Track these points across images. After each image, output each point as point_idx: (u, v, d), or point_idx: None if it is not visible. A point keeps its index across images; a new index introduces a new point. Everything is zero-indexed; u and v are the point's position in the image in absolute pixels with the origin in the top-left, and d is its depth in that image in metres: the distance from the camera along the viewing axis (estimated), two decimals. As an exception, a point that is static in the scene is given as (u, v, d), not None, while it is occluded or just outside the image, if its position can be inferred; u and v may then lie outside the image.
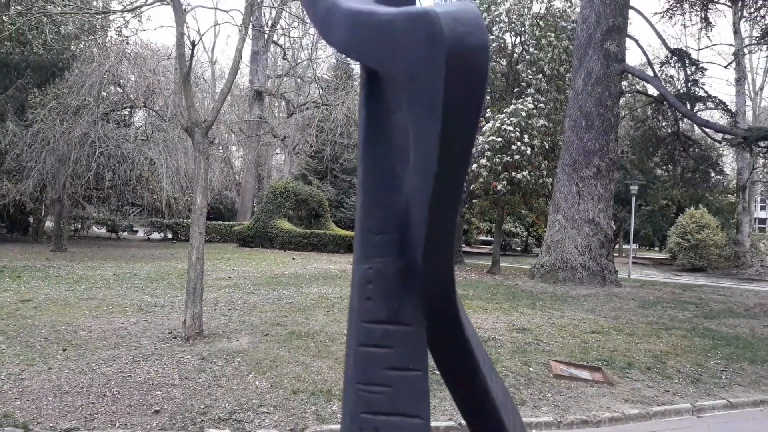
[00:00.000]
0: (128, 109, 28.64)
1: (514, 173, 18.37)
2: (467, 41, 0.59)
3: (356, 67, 42.53)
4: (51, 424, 5.61)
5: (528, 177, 18.59)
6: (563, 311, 12.62)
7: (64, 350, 7.90)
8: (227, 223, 34.37)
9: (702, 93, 21.95)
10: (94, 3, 24.75)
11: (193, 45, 9.57)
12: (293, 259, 23.32)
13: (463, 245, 34.18)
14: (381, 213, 0.88)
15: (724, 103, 22.32)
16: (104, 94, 25.07)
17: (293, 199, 29.18)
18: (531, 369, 8.05)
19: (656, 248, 46.76)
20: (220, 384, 6.80)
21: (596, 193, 17.10)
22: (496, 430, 1.09)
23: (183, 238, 31.61)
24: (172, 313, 10.71)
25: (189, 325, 8.79)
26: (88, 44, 25.08)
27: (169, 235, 34.27)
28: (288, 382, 6.92)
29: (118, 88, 26.88)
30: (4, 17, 20.06)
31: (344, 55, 0.84)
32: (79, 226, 33.36)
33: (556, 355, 8.85)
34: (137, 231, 36.60)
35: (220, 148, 40.86)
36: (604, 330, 10.84)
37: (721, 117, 25.79)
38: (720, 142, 21.71)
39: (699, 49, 42.35)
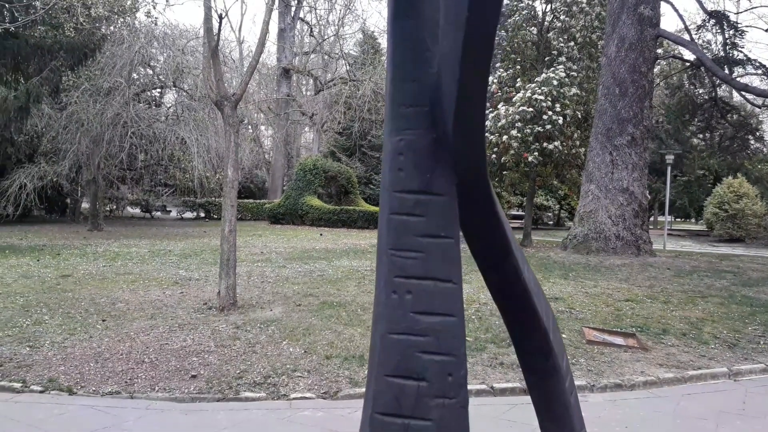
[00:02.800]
0: (158, 90, 28.96)
1: (545, 144, 18.10)
2: None
3: (383, 42, 42.16)
4: (93, 388, 5.78)
5: (560, 147, 18.30)
6: (596, 281, 12.48)
7: (104, 320, 8.12)
8: (258, 201, 34.72)
9: (741, 56, 21.22)
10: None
11: (221, 18, 9.60)
12: (321, 235, 23.48)
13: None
14: (412, 86, 0.87)
15: (765, 66, 21.54)
16: (135, 75, 25.40)
17: (322, 176, 29.29)
18: (564, 335, 7.99)
19: (692, 220, 45.80)
20: (254, 350, 6.92)
21: (630, 161, 16.76)
22: (530, 317, 1.08)
23: (215, 216, 32.05)
24: (207, 286, 10.90)
25: (223, 296, 8.95)
26: (118, 26, 25.37)
27: (202, 214, 34.80)
28: (321, 349, 7.01)
29: (148, 69, 27.19)
30: (36, 1, 20.40)
31: None
32: (114, 207, 34.10)
33: (589, 322, 8.77)
34: (170, 210, 37.25)
35: (250, 127, 41.17)
36: (639, 298, 10.69)
37: (762, 81, 24.92)
38: (760, 107, 21.00)
39: (738, 13, 40.84)
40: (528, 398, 5.78)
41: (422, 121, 0.84)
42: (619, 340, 7.86)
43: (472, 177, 0.87)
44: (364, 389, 5.86)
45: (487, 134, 19.53)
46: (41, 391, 5.68)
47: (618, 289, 11.60)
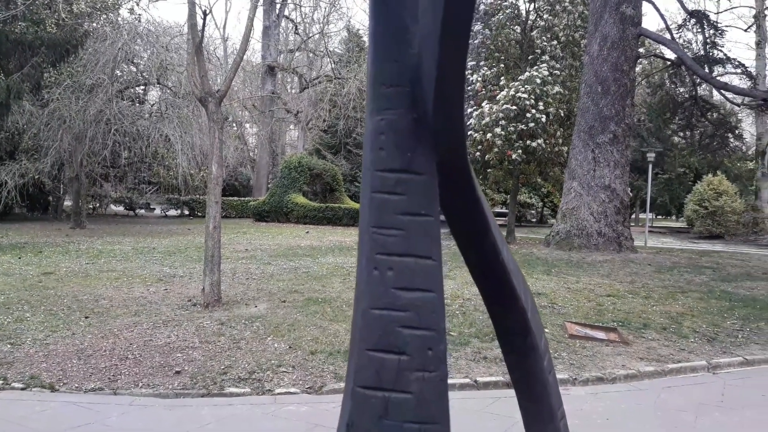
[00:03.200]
0: (142, 87, 28.71)
1: (529, 142, 18.22)
2: None
3: (368, 40, 42.27)
4: (76, 385, 5.76)
5: (543, 145, 18.43)
6: (578, 276, 12.61)
7: (87, 317, 8.07)
8: (243, 198, 34.58)
9: (721, 56, 21.51)
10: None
11: (205, 14, 9.56)
12: (307, 232, 23.46)
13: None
14: (393, 66, 0.90)
15: (744, 66, 21.87)
16: (118, 72, 25.13)
17: (307, 174, 29.24)
18: (546, 330, 8.07)
19: (673, 217, 46.36)
20: (239, 346, 6.93)
21: (612, 159, 16.93)
22: (508, 296, 1.12)
23: (200, 214, 31.88)
24: (191, 283, 10.87)
25: (208, 292, 8.93)
26: (101, 22, 25.12)
27: (186, 212, 34.59)
28: (306, 344, 7.03)
29: (131, 66, 26.93)
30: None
31: None
32: (97, 205, 33.78)
33: (572, 317, 8.88)
34: (154, 208, 36.98)
35: (234, 125, 40.96)
36: (620, 293, 10.83)
37: (741, 80, 25.28)
38: (739, 106, 21.32)
39: (718, 13, 41.45)
40: (511, 392, 5.85)
41: (403, 101, 0.88)
42: (600, 335, 7.97)
43: (452, 157, 0.91)
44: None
45: (471, 132, 19.63)
46: (23, 388, 5.65)
47: (600, 284, 11.74)
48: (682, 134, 29.37)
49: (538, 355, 1.12)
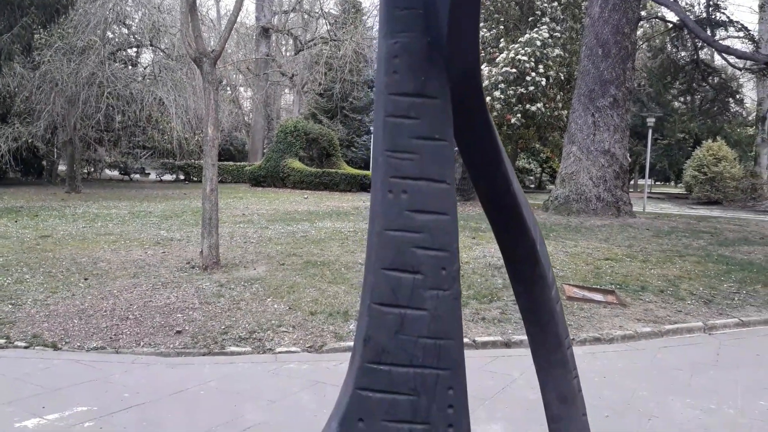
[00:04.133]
0: (134, 49, 28.27)
1: (528, 105, 18.09)
2: None
3: (365, 1, 41.44)
4: (78, 344, 5.79)
5: (542, 109, 18.31)
6: (577, 241, 12.65)
7: (86, 279, 8.07)
8: (239, 163, 34.37)
9: (724, 18, 21.22)
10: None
11: (199, -29, 9.33)
12: (305, 198, 23.41)
13: (476, 182, 34.07)
14: None
15: (747, 29, 21.58)
16: (110, 33, 24.73)
17: (303, 139, 29.01)
18: (544, 292, 8.13)
19: (672, 183, 46.41)
20: (239, 307, 6.95)
21: (612, 123, 16.83)
22: (518, 227, 1.11)
23: (195, 179, 31.72)
24: (189, 246, 10.86)
25: (206, 255, 8.93)
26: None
27: (182, 177, 34.42)
28: (305, 305, 7.06)
29: (123, 28, 26.47)
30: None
31: None
32: (92, 169, 33.56)
33: (569, 280, 8.92)
34: (149, 173, 36.77)
35: (228, 89, 40.51)
36: (618, 257, 10.88)
37: (743, 44, 25.01)
38: (741, 70, 21.14)
39: (720, -24, 40.68)
40: (509, 351, 5.89)
41: (417, 24, 0.85)
42: (598, 297, 8.02)
43: (465, 82, 0.89)
44: (348, 343, 5.94)
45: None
46: (26, 347, 5.68)
47: (598, 248, 11.78)
48: (682, 99, 29.19)
49: (546, 285, 1.12)
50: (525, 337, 6.28)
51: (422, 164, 0.86)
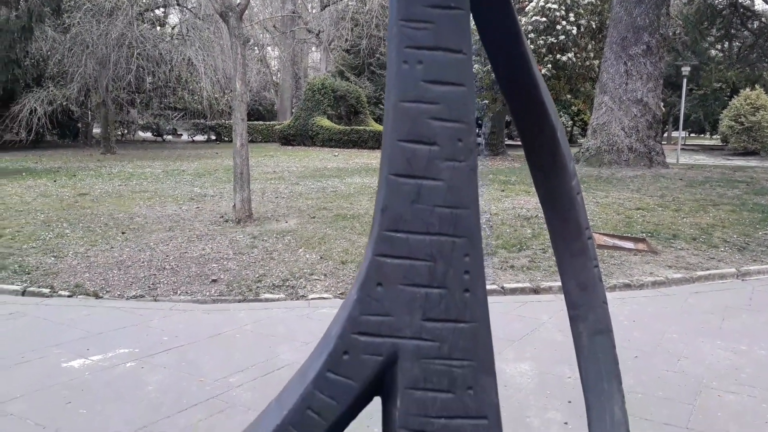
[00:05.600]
0: (162, 9, 28.28)
1: (559, 56, 17.66)
2: None
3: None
4: (118, 293, 6.02)
5: (573, 59, 17.86)
6: (608, 192, 12.49)
7: (123, 233, 8.32)
8: (268, 123, 34.50)
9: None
10: None
11: (222, -77, 9.24)
12: (336, 155, 23.46)
13: (506, 138, 33.65)
14: None
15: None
16: (137, -7, 24.72)
17: (331, 96, 28.90)
18: (574, 241, 8.10)
19: (707, 135, 45.12)
20: (272, 257, 7.11)
21: (645, 71, 16.35)
22: (538, 110, 1.13)
23: (226, 139, 31.99)
24: (222, 202, 11.06)
25: (239, 208, 9.10)
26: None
27: (213, 137, 34.74)
28: (336, 255, 7.18)
29: (150, -13, 26.45)
30: None
31: None
32: (126, 131, 34.11)
33: (600, 229, 8.86)
34: (181, 134, 37.21)
35: (256, 48, 40.33)
36: (650, 207, 10.74)
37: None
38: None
39: None
40: (537, 297, 5.93)
41: None
42: (629, 245, 7.97)
43: None
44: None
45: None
46: (69, 296, 5.93)
47: (629, 198, 11.63)
48: (719, 46, 28.09)
49: (567, 174, 1.14)
50: (554, 284, 6.33)
51: (438, 34, 0.88)
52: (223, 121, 32.22)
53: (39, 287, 6.07)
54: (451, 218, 0.89)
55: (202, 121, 33.12)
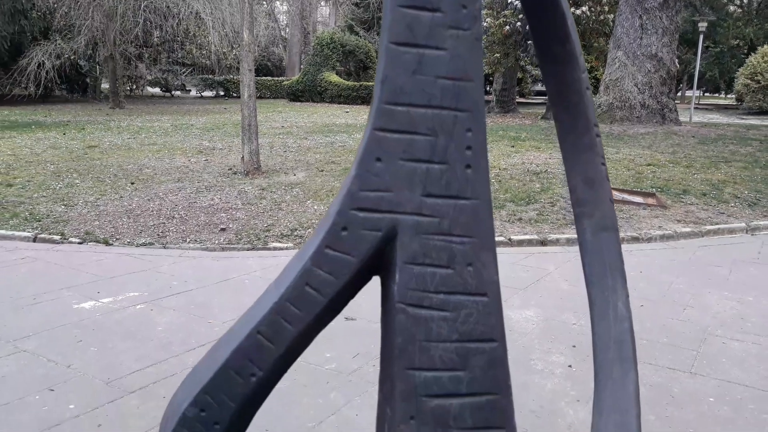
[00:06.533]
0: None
1: (572, 9, 17.22)
2: None
3: None
4: (128, 240, 6.08)
5: (587, 13, 17.45)
6: (619, 148, 12.36)
7: (132, 183, 8.35)
8: (276, 78, 34.17)
9: None
10: None
11: None
12: (347, 112, 23.26)
13: (517, 96, 33.17)
14: None
15: None
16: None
17: (340, 51, 28.52)
18: (583, 195, 8.06)
19: (721, 94, 44.30)
20: (280, 208, 7.13)
21: (661, 26, 15.94)
22: (552, 2, 1.10)
23: (235, 94, 31.78)
24: (230, 155, 11.04)
25: (247, 160, 9.09)
26: None
27: (221, 92, 34.51)
28: (344, 206, 7.18)
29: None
30: None
31: None
32: (134, 87, 33.91)
33: (610, 184, 8.79)
34: (190, 90, 36.99)
35: (264, 2, 39.66)
36: (660, 163, 10.63)
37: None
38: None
39: None
40: (544, 248, 5.92)
41: None
42: (638, 199, 7.92)
43: None
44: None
45: (510, 1, 18.62)
46: (80, 243, 5.99)
47: (640, 155, 11.51)
48: (738, 2, 27.29)
49: (577, 65, 1.11)
50: (561, 236, 6.33)
51: None
52: (231, 76, 31.96)
53: (50, 234, 6.14)
54: (453, 90, 0.86)
55: (210, 76, 32.88)
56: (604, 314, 1.14)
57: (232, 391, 0.90)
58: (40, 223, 6.47)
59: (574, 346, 3.78)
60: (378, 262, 0.90)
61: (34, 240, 6.04)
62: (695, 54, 23.52)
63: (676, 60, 17.40)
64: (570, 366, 3.52)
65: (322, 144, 12.84)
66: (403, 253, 0.87)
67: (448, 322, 0.87)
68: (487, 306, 0.88)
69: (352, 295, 0.95)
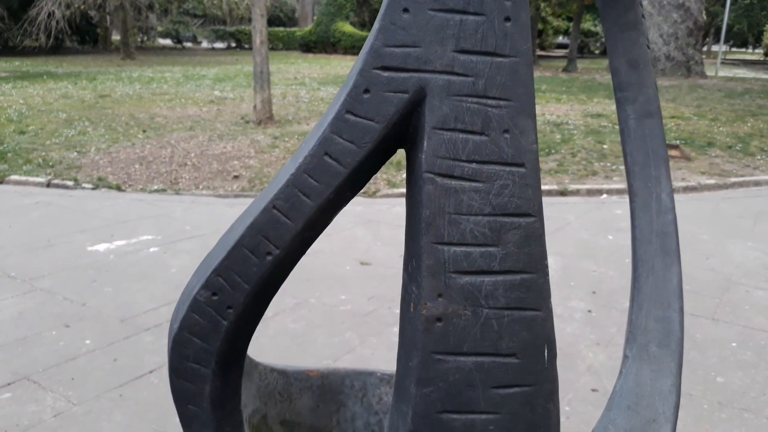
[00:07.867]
0: None
1: (596, -44, 16.59)
2: None
3: None
4: (141, 186, 6.02)
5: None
6: (640, 100, 12.03)
7: (144, 131, 8.26)
8: (289, 29, 33.57)
9: None
10: None
11: None
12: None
13: (538, 49, 32.38)
14: None
15: None
16: None
17: (354, 0, 27.86)
18: (605, 146, 7.87)
19: (749, 48, 43.01)
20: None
21: (689, -27, 15.35)
22: None
23: (246, 46, 31.31)
24: (242, 105, 10.89)
25: (259, 109, 8.94)
26: None
27: (233, 44, 34.03)
28: (358, 155, 7.06)
29: None
30: None
31: None
32: (145, 38, 33.52)
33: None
34: (201, 41, 36.52)
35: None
36: (685, 116, 10.34)
37: None
38: None
39: None
40: (564, 198, 5.78)
41: None
42: (660, 151, 7.70)
43: None
44: (400, 190, 5.98)
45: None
46: (92, 188, 5.94)
47: (664, 108, 11.19)
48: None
49: None
50: (582, 187, 6.19)
51: None
52: (243, 27, 31.43)
53: (63, 180, 6.09)
54: None
55: (221, 27, 32.37)
56: (647, 206, 1.04)
57: (247, 271, 0.82)
58: (53, 168, 6.42)
59: (594, 293, 3.69)
60: (404, 130, 0.79)
61: (48, 185, 6.00)
62: (723, 5, 22.69)
63: (704, 10, 16.79)
64: (590, 311, 3.44)
65: (334, 94, 12.55)
66: (432, 117, 0.76)
67: (480, 194, 0.76)
68: (524, 177, 0.77)
69: (375, 169, 0.84)
